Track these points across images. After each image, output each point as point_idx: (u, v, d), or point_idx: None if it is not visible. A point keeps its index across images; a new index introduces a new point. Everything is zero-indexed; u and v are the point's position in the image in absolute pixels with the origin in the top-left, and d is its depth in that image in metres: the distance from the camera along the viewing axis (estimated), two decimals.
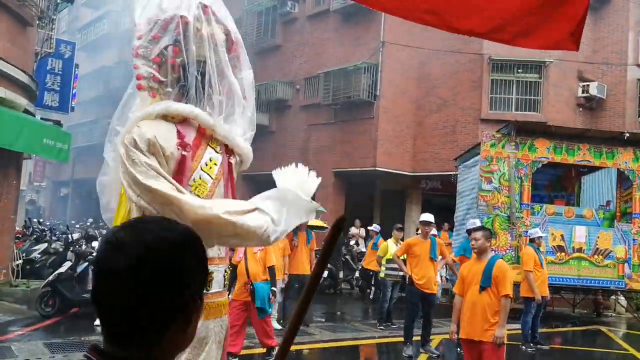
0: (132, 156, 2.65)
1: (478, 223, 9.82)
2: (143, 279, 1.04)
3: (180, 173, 2.81)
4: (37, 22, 12.58)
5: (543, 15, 2.15)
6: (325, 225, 14.49)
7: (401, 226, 11.71)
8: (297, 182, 3.04)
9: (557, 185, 14.80)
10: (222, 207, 2.65)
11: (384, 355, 9.34)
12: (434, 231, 11.01)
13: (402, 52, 18.16)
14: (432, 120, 18.22)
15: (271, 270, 7.47)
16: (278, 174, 3.14)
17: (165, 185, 2.61)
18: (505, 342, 5.23)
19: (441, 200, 18.23)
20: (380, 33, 17.87)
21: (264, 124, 21.27)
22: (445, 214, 16.15)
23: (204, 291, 1.19)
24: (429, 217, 8.50)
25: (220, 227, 2.61)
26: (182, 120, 2.92)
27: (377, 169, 17.66)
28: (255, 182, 22.88)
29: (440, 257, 8.66)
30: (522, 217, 12.05)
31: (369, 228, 14.73)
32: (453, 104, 17.72)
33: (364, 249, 15.65)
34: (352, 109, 18.30)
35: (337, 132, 18.96)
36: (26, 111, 11.22)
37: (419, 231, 8.77)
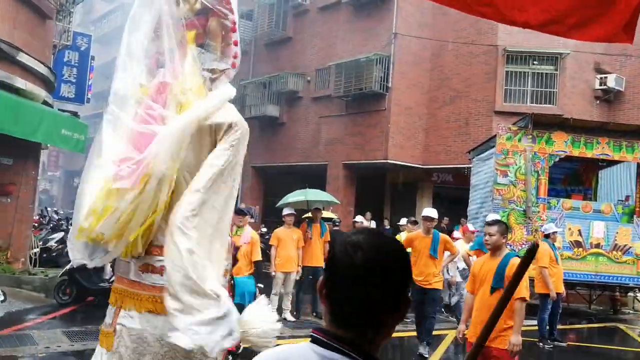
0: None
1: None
2: (378, 275, 1.25)
3: None
4: (55, 14, 12.65)
5: (598, 8, 2.19)
6: (334, 217, 14.33)
7: (415, 220, 11.51)
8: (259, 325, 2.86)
9: (573, 179, 14.51)
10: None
11: (396, 349, 9.14)
12: (471, 227, 10.87)
13: (415, 43, 17.87)
14: (444, 112, 17.94)
15: (257, 265, 7.35)
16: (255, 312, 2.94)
17: None
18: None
19: (453, 193, 18.03)
20: (393, 24, 17.58)
21: (274, 115, 21.10)
22: (457, 207, 15.92)
23: None
24: (431, 212, 8.12)
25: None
26: None
27: (388, 161, 17.43)
28: (264, 174, 22.80)
29: (447, 253, 8.22)
30: (539, 212, 11.78)
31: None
32: (466, 96, 17.43)
33: None
34: (364, 101, 18.05)
35: (348, 124, 18.73)
36: (45, 102, 11.29)
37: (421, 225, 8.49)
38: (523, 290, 4.64)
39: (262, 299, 3.06)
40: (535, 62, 17.15)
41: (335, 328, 1.29)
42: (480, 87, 17.17)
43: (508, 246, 9.77)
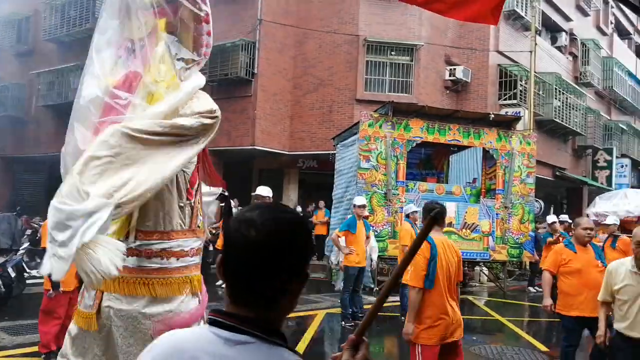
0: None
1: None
2: (270, 251, 1.23)
3: None
4: None
5: None
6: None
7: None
8: None
9: (428, 163, 15.56)
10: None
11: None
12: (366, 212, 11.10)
13: (280, 30, 18.04)
14: (309, 99, 18.34)
15: None
16: None
17: None
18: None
19: (318, 178, 18.51)
20: (258, 11, 17.60)
21: None
22: (321, 192, 16.42)
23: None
24: (264, 190, 7.90)
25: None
26: None
27: (255, 147, 17.50)
28: None
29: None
30: (398, 194, 12.53)
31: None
32: (330, 84, 17.95)
33: None
34: (230, 86, 17.92)
35: None
36: None
37: None
38: (408, 277, 4.59)
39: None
40: (393, 53, 18.06)
41: (236, 308, 1.27)
42: (342, 76, 17.76)
43: (371, 227, 10.33)
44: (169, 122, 2.79)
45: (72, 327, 3.09)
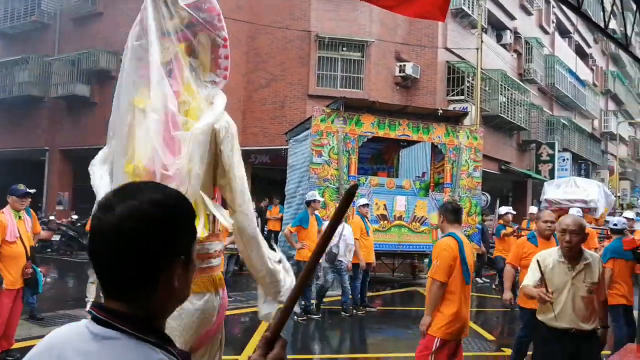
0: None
1: (317, 195, 10.16)
2: (125, 236, 1.15)
3: None
4: None
5: None
6: None
7: None
8: None
9: (378, 158, 15.82)
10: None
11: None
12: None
13: (232, 24, 17.91)
14: (261, 95, 18.36)
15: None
16: None
17: None
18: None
19: (270, 174, 18.55)
20: None
21: (85, 95, 19.85)
22: (274, 187, 16.47)
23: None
24: None
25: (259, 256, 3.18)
26: None
27: None
28: (74, 157, 21.37)
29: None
30: None
31: None
32: (282, 79, 18.01)
33: None
34: None
35: None
36: None
37: None
38: (433, 271, 4.61)
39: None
40: (344, 49, 18.26)
41: (110, 302, 1.19)
42: (294, 71, 17.85)
43: (323, 222, 10.47)
44: (239, 173, 3.19)
45: None
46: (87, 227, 7.45)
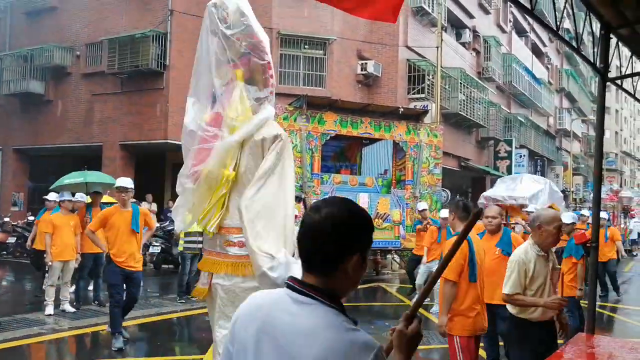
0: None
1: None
2: (324, 231, 1.54)
3: None
4: None
5: None
6: (114, 200, 13.72)
7: None
8: None
9: (341, 156, 15.90)
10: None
11: (184, 328, 9.30)
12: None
13: (192, 21, 17.73)
14: None
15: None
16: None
17: None
18: None
19: None
20: (169, 1, 17.25)
21: (39, 92, 19.34)
22: None
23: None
24: (125, 181, 7.34)
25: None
26: None
27: (168, 141, 17.17)
28: (29, 157, 20.83)
29: (145, 228, 7.50)
30: (314, 186, 12.79)
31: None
32: None
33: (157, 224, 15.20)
34: (141, 78, 17.47)
35: (124, 102, 17.96)
36: None
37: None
38: (447, 272, 4.45)
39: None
40: (306, 47, 18.29)
41: (306, 276, 1.59)
42: None
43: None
44: (261, 172, 3.71)
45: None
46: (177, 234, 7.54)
